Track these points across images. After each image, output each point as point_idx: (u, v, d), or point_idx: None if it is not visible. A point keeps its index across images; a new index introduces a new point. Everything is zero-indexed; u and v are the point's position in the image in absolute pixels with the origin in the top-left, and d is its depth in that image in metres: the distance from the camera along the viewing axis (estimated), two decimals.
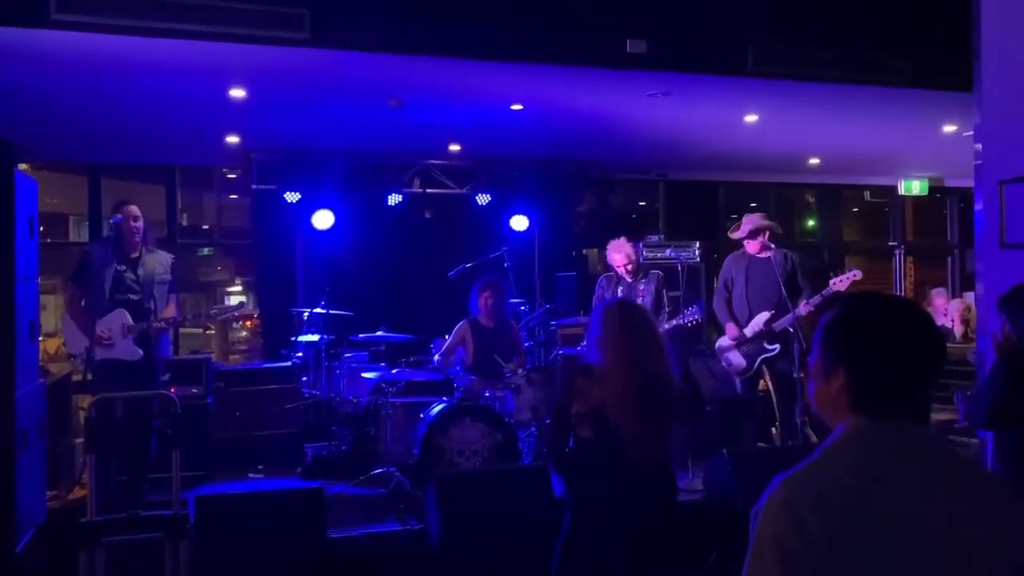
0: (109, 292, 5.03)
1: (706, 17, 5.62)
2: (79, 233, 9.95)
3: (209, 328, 14.85)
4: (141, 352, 5.07)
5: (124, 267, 5.18)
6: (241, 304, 6.16)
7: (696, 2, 5.60)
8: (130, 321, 5.06)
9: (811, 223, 10.98)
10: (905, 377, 1.45)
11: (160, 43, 4.70)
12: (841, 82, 5.87)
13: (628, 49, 5.35)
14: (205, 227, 10.76)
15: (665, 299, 6.12)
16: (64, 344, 5.40)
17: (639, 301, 6.07)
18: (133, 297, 5.15)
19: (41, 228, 7.64)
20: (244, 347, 10.66)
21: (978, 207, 4.54)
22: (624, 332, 3.14)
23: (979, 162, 4.54)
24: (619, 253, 6.14)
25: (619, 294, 6.19)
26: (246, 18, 4.69)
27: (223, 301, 16.79)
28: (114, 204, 5.41)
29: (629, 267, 6.11)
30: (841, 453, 1.44)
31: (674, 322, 5.86)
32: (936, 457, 1.45)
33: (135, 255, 5.24)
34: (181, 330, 8.48)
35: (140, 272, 5.22)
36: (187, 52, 4.86)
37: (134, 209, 5.18)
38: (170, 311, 5.32)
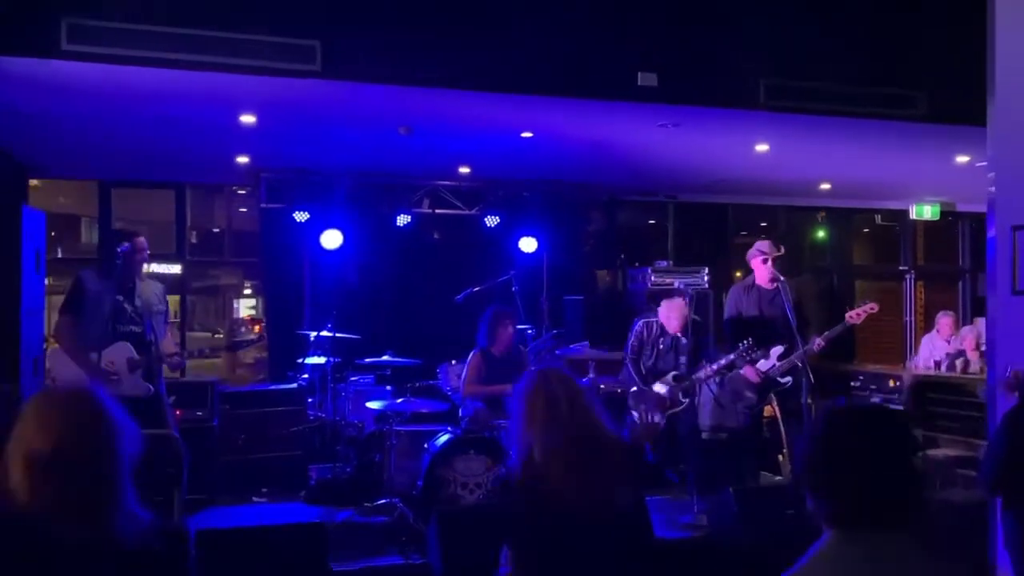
0: (111, 324, 4.73)
1: (717, 50, 5.59)
2: (90, 235, 9.97)
3: (217, 332, 14.90)
4: (151, 388, 4.83)
5: (122, 297, 4.89)
6: (260, 337, 6.09)
7: (707, 35, 5.57)
8: (134, 355, 4.81)
9: (821, 247, 10.92)
10: (862, 492, 1.50)
11: (172, 73, 4.70)
12: (853, 116, 5.83)
13: (639, 82, 5.33)
14: (215, 236, 10.80)
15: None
16: (54, 382, 4.85)
17: (682, 360, 6.06)
18: (135, 329, 4.88)
19: (52, 234, 7.69)
20: (250, 361, 10.66)
21: (990, 253, 4.48)
22: (549, 403, 2.79)
23: (991, 207, 4.48)
24: (676, 313, 6.11)
25: (660, 345, 6.16)
26: (258, 50, 4.69)
27: (232, 307, 16.79)
28: (123, 232, 5.25)
29: (682, 330, 6.11)
30: (810, 569, 1.51)
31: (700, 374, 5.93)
32: (899, 565, 1.49)
33: (130, 284, 4.97)
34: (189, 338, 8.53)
35: (138, 302, 4.95)
36: (199, 82, 4.86)
37: (142, 241, 4.96)
38: (170, 345, 5.13)
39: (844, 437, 1.53)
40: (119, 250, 4.78)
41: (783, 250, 6.07)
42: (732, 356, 5.82)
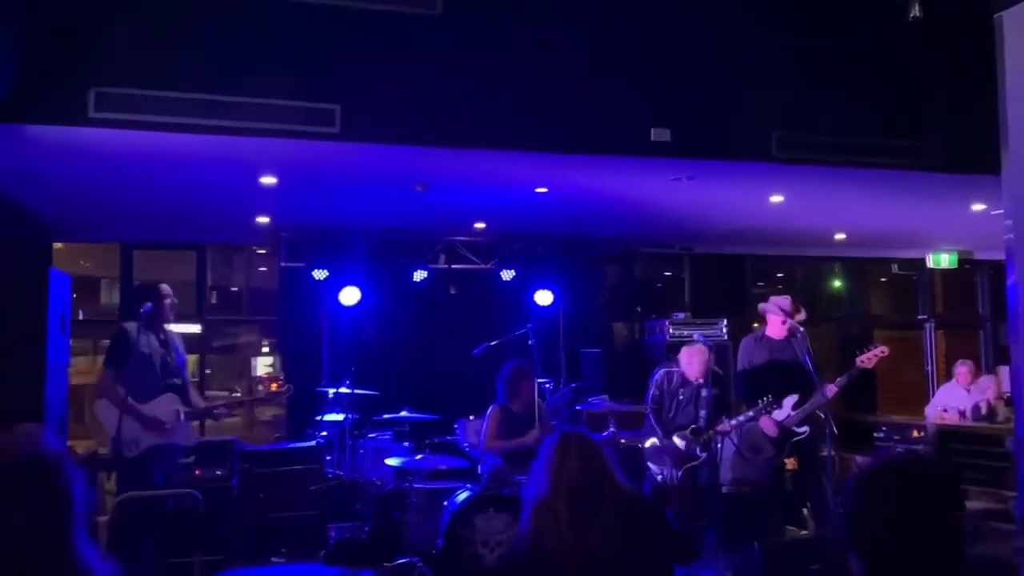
0: (160, 376, 4.72)
1: (729, 104, 5.65)
2: (110, 296, 10.07)
3: (235, 390, 14.89)
4: (196, 439, 4.94)
5: (163, 349, 4.91)
6: (288, 388, 6.10)
7: (719, 89, 5.64)
8: (182, 406, 4.81)
9: (839, 296, 10.88)
10: (903, 550, 1.46)
11: (194, 137, 4.81)
12: (866, 167, 5.86)
13: (652, 137, 5.39)
14: (234, 295, 10.86)
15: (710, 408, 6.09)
16: (103, 430, 4.71)
17: (702, 413, 6.00)
18: (177, 381, 4.90)
19: (74, 295, 7.79)
20: (268, 419, 10.65)
21: (1011, 301, 4.44)
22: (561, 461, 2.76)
23: (1009, 255, 4.46)
24: (697, 358, 6.06)
25: (680, 396, 6.12)
26: (279, 114, 4.80)
27: (252, 366, 16.82)
28: (144, 286, 5.32)
29: (703, 376, 6.06)
30: None
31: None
32: None
33: (163, 336, 5.00)
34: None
35: (173, 353, 4.99)
36: (222, 146, 4.97)
37: (166, 288, 5.00)
38: (199, 399, 5.14)
39: (888, 495, 1.50)
40: (143, 311, 4.78)
41: (804, 314, 6.05)
42: (751, 413, 5.79)
